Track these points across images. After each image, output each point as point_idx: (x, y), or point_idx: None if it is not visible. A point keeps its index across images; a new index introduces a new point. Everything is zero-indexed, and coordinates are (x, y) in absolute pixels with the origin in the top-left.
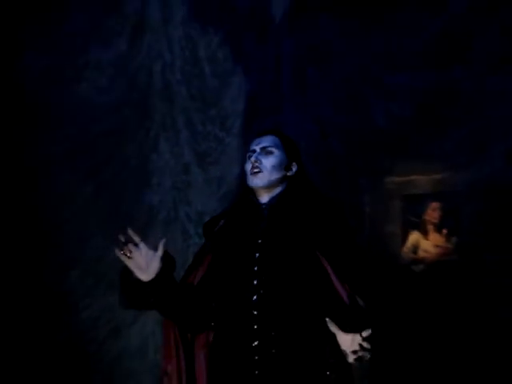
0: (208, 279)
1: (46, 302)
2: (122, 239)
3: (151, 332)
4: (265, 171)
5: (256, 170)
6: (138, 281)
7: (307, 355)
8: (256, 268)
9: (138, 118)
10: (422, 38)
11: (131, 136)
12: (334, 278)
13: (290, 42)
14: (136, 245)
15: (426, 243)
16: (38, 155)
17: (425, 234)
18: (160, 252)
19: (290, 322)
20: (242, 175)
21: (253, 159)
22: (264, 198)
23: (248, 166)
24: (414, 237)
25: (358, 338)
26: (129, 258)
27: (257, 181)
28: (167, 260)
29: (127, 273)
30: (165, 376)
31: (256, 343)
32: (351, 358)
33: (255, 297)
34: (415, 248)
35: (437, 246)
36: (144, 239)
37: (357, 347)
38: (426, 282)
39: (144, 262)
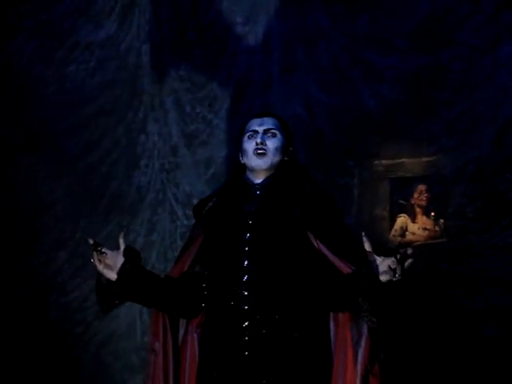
0: (199, 260)
1: (34, 282)
2: (92, 248)
3: (139, 313)
4: (269, 153)
5: (261, 151)
6: (110, 282)
7: (297, 336)
8: (247, 249)
9: (126, 98)
10: (412, 20)
11: (120, 117)
12: (330, 255)
13: (280, 24)
14: (100, 250)
15: (413, 226)
16: (27, 136)
17: (413, 216)
18: (122, 247)
19: (281, 302)
20: (231, 157)
21: (259, 140)
22: (259, 178)
23: (250, 146)
24: (402, 220)
25: (390, 260)
26: (99, 261)
27: (261, 162)
28: (130, 253)
29: (100, 279)
30: (152, 353)
31: (246, 324)
32: (383, 278)
33: (246, 277)
34: (403, 231)
35: (424, 229)
36: (133, 220)
37: (387, 267)
38: (413, 264)
39: (111, 262)
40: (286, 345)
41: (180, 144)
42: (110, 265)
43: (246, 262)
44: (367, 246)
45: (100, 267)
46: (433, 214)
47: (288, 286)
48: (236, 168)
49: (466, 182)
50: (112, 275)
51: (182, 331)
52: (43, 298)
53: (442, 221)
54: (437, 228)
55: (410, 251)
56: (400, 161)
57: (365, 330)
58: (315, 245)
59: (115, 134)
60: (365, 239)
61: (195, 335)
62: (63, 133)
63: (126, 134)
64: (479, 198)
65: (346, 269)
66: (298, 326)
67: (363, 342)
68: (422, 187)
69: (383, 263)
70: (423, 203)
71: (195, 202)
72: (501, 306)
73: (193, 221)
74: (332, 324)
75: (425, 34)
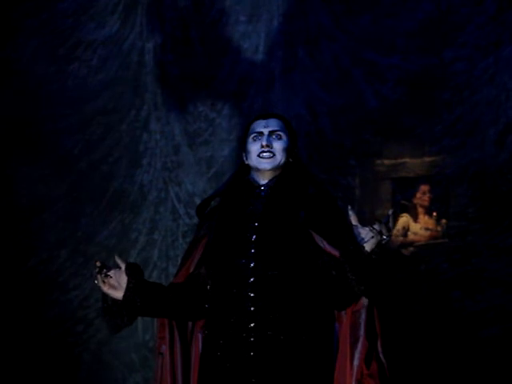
0: (205, 261)
1: (35, 280)
2: (98, 270)
3: None
4: (275, 156)
5: (267, 154)
6: (116, 302)
7: (303, 337)
8: (253, 251)
9: (129, 97)
10: (414, 20)
11: (122, 115)
12: (333, 251)
13: (282, 23)
14: (105, 273)
15: (415, 226)
16: (30, 134)
17: (414, 216)
18: (123, 266)
19: (287, 304)
20: (233, 156)
21: (264, 142)
22: (264, 180)
23: (256, 148)
24: (404, 219)
25: (374, 226)
26: (104, 283)
27: (266, 165)
28: (132, 270)
29: (106, 300)
30: (159, 356)
31: (252, 325)
32: (370, 244)
33: (252, 279)
34: (405, 231)
35: (426, 229)
36: (134, 219)
37: (373, 232)
38: (415, 264)
39: (115, 282)
40: (291, 346)
41: (182, 143)
42: (114, 284)
43: (252, 264)
44: (353, 220)
45: (105, 288)
46: (435, 214)
47: (294, 288)
48: (240, 168)
49: (467, 183)
50: (117, 295)
51: (189, 331)
52: (44, 296)
53: (443, 221)
54: (438, 228)
55: (390, 211)
56: (402, 161)
57: (362, 331)
58: (321, 245)
59: (117, 132)
60: (350, 212)
61: (199, 335)
62: (65, 131)
63: (128, 132)
64: (481, 198)
65: None
66: (304, 327)
67: (359, 344)
68: (424, 187)
69: (369, 232)
70: (425, 203)
71: (197, 200)
72: (501, 307)
73: (195, 220)
74: (337, 325)
75: (427, 34)
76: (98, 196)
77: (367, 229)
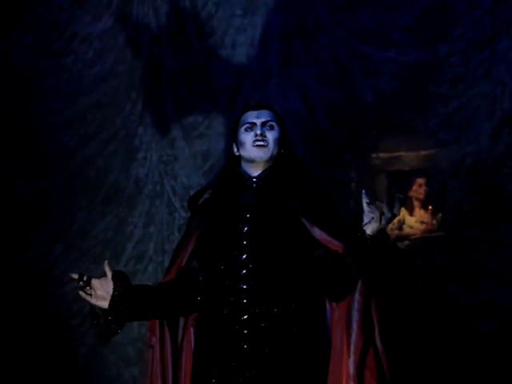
0: (197, 254)
1: (30, 274)
2: (80, 282)
3: None
4: (269, 145)
5: (262, 143)
6: (105, 311)
7: (297, 329)
8: (245, 242)
9: (124, 90)
10: (410, 14)
11: (118, 109)
12: (329, 239)
13: (278, 17)
14: (87, 283)
15: (411, 219)
16: (25, 128)
17: (410, 210)
18: (109, 274)
19: (280, 296)
20: (229, 149)
21: (258, 132)
22: (257, 171)
23: (249, 138)
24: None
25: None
26: (90, 295)
27: (261, 154)
28: (118, 278)
29: (94, 311)
30: (149, 348)
31: (245, 317)
32: (369, 229)
33: (244, 271)
34: (400, 224)
35: (422, 223)
36: (130, 212)
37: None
38: (411, 257)
39: (104, 292)
40: (284, 338)
41: (178, 136)
42: (102, 295)
43: (244, 256)
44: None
45: (93, 300)
46: (430, 207)
47: (287, 280)
48: (230, 160)
49: (463, 176)
50: (106, 304)
51: (181, 324)
52: (39, 289)
53: (439, 214)
54: (434, 222)
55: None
56: (397, 154)
57: (357, 321)
58: (316, 236)
59: (113, 126)
60: (364, 195)
61: (191, 329)
62: (60, 124)
63: (123, 126)
64: (476, 192)
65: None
66: (297, 319)
67: (354, 335)
68: (420, 180)
69: (372, 213)
70: (421, 196)
71: None
72: (497, 300)
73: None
74: (328, 315)
75: (423, 28)
76: (94, 190)
77: (370, 210)
